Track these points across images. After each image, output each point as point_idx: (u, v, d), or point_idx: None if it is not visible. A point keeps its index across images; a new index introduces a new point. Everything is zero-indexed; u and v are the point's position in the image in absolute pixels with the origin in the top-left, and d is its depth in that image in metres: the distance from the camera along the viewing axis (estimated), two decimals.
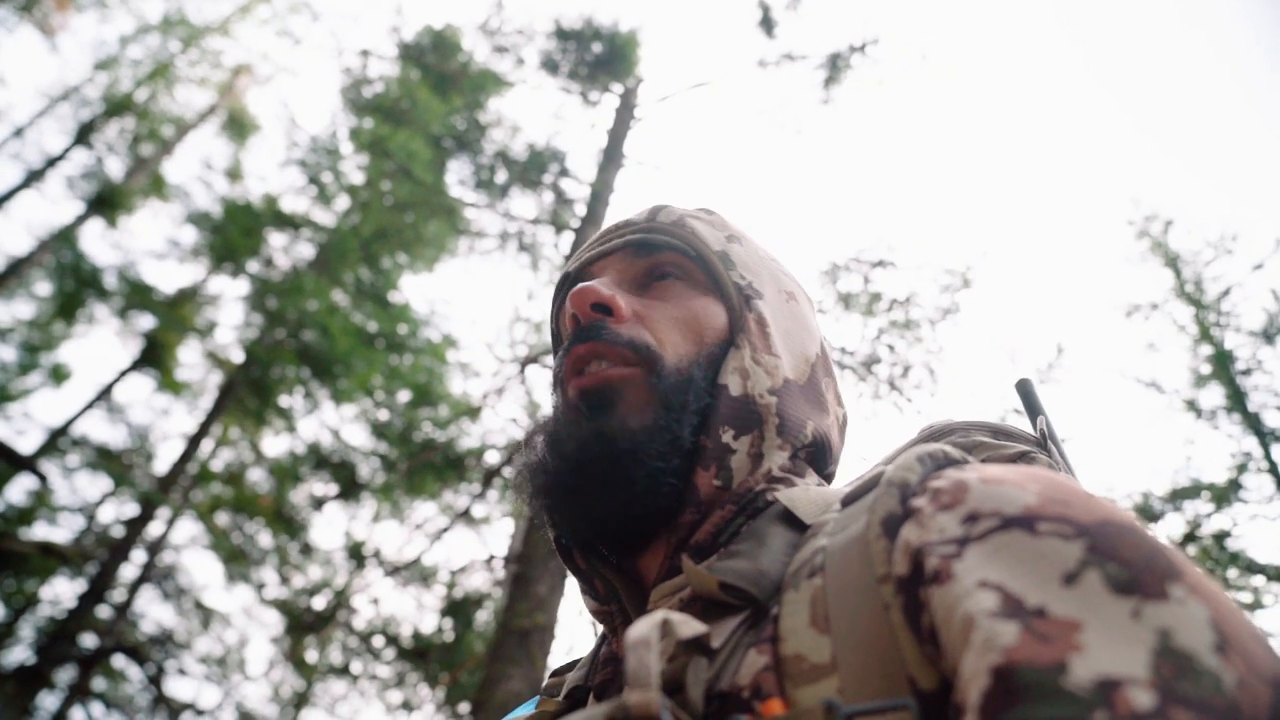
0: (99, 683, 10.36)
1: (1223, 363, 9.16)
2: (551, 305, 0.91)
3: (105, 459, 11.62)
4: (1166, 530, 8.26)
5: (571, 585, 5.36)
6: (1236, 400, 8.96)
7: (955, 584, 0.45)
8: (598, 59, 8.54)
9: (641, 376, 0.71)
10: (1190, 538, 7.93)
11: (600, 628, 0.77)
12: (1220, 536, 7.97)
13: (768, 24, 8.39)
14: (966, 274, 6.48)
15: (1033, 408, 0.87)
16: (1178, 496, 8.42)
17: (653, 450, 0.67)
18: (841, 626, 0.50)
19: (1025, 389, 0.89)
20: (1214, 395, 9.26)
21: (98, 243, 14.29)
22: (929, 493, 0.53)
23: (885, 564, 0.51)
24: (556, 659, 5.39)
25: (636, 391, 0.70)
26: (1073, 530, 0.45)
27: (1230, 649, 0.38)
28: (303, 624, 8.57)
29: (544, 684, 0.81)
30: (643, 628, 0.46)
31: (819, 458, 0.78)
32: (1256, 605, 7.59)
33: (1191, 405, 9.30)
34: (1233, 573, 7.77)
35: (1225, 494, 8.24)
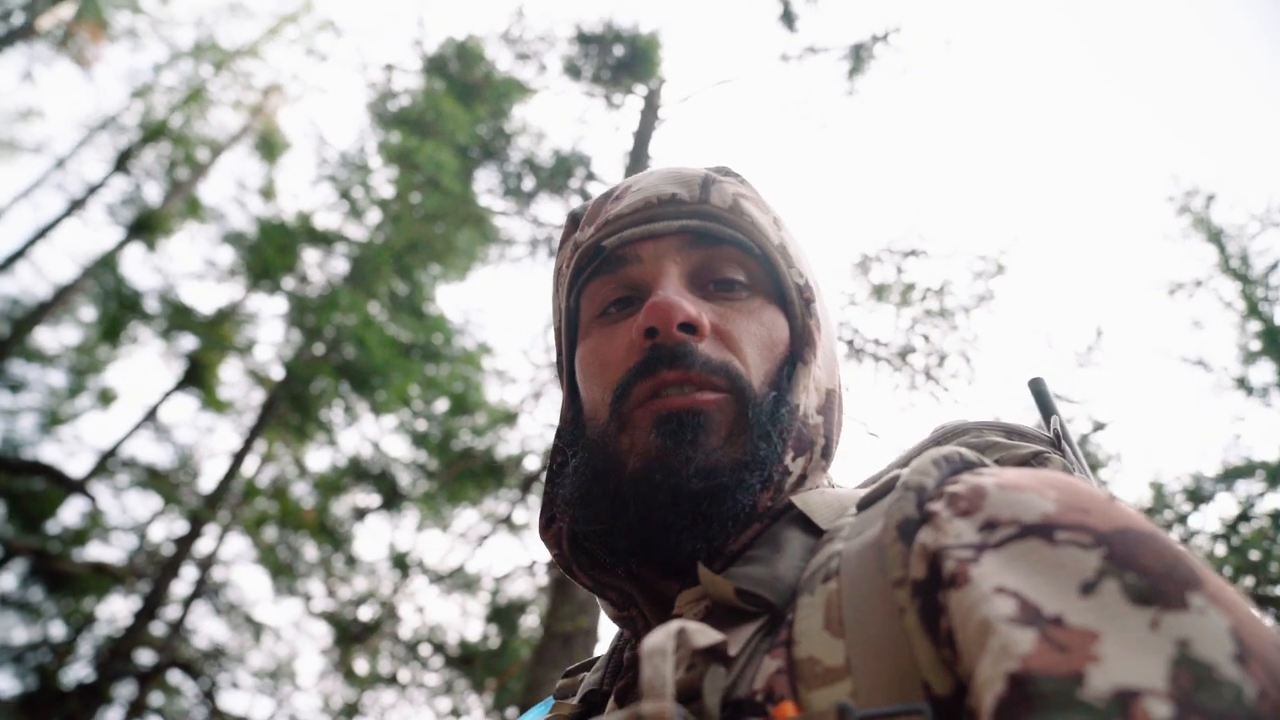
0: (156, 698, 10.58)
1: (1273, 338, 8.96)
2: (569, 279, 0.80)
3: (154, 479, 11.84)
4: (1218, 511, 8.08)
5: None
6: None
7: (973, 588, 0.45)
8: (620, 62, 8.55)
9: (729, 402, 0.67)
10: (1243, 518, 7.74)
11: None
12: (1276, 516, 7.77)
13: (788, 17, 8.33)
14: (1000, 259, 6.39)
15: (1046, 407, 0.86)
16: (1230, 476, 8.23)
17: (751, 485, 0.65)
18: (856, 630, 0.50)
19: (1038, 388, 0.88)
20: (1265, 372, 9.05)
21: (138, 267, 14.62)
22: (946, 498, 0.53)
23: (901, 568, 0.51)
24: None
25: (725, 419, 0.66)
26: (1091, 539, 0.45)
27: (1251, 659, 0.37)
28: (351, 635, 8.69)
29: (557, 685, 0.80)
30: (658, 637, 0.46)
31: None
32: None
33: (1241, 383, 9.10)
34: None
35: (1279, 472, 8.05)
